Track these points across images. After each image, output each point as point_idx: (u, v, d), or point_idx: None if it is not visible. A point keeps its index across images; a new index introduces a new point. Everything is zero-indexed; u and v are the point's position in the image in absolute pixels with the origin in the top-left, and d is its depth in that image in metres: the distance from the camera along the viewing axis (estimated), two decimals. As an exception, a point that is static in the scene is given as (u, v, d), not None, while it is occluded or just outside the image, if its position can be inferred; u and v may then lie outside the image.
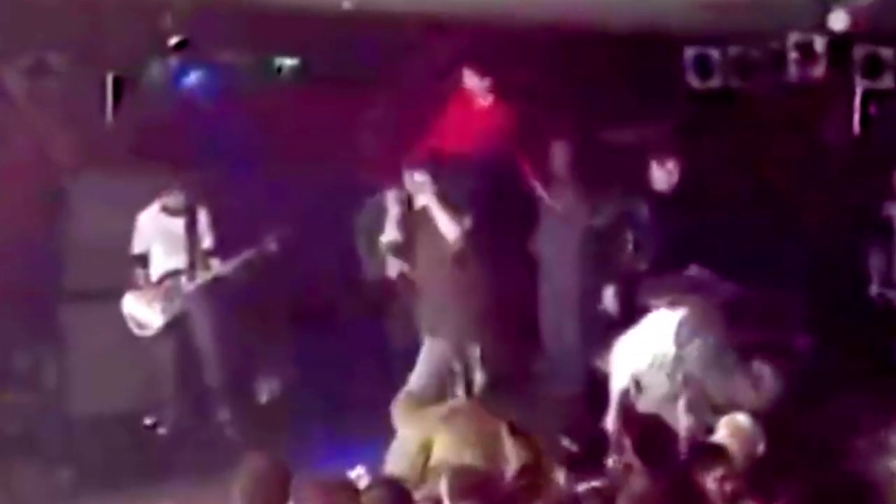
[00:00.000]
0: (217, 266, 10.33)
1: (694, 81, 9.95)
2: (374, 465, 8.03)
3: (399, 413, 8.71)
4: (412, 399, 8.96)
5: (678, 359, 8.63)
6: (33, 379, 10.10)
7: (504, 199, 10.30)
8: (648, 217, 9.97)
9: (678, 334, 8.68)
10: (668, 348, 8.67)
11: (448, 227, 9.50)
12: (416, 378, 9.49)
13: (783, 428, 7.92)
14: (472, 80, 10.36)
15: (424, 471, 8.10)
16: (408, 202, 9.71)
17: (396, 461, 8.36)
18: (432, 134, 10.22)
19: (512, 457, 7.93)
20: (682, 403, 8.57)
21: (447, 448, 8.10)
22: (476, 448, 8.04)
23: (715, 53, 9.91)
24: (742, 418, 7.84)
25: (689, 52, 9.94)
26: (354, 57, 9.78)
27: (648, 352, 8.74)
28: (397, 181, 9.80)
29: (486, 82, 10.26)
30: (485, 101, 10.36)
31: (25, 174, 9.78)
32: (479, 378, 9.47)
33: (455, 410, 8.58)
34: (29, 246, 9.91)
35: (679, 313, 8.73)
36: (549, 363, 10.47)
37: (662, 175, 10.07)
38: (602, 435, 7.85)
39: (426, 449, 8.18)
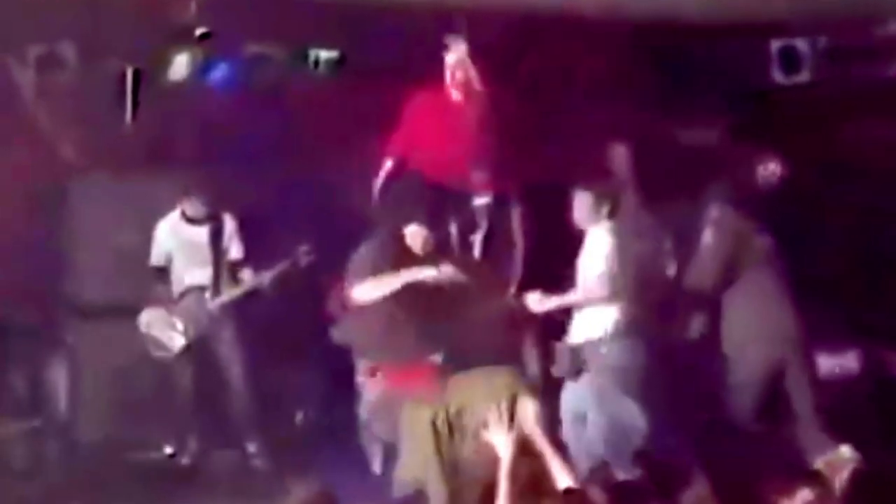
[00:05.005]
0: (249, 279, 9.80)
1: (779, 76, 9.63)
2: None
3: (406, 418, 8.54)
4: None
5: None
6: (39, 403, 9.70)
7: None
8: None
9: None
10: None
11: None
12: None
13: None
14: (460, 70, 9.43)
15: (448, 428, 8.22)
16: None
17: (412, 458, 8.33)
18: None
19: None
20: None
21: (458, 390, 8.30)
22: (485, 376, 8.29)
23: (803, 45, 9.57)
24: (844, 448, 8.02)
25: (775, 45, 9.62)
26: (396, 50, 9.32)
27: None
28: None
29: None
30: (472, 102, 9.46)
31: (33, 176, 9.46)
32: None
33: None
34: (34, 255, 9.55)
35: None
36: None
37: (766, 177, 9.61)
38: (672, 466, 7.74)
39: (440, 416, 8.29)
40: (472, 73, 9.40)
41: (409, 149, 9.51)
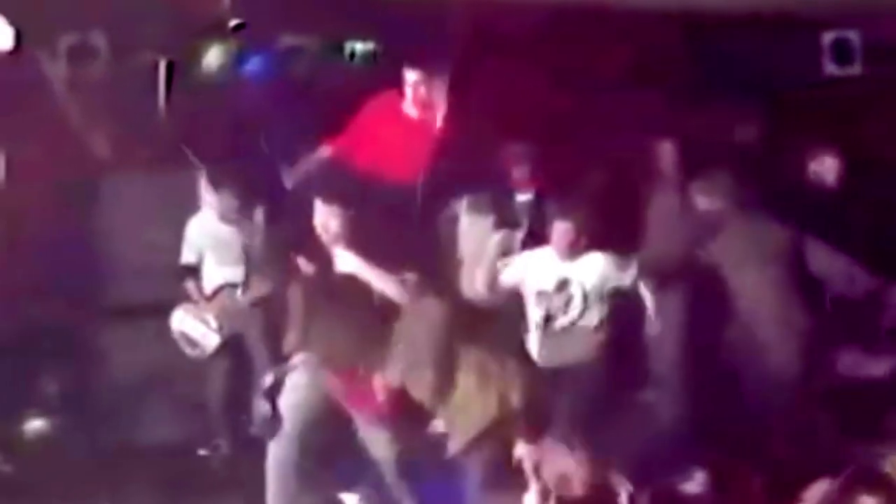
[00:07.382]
0: None
1: (831, 69, 9.49)
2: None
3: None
4: None
5: None
6: (69, 402, 9.64)
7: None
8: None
9: None
10: None
11: None
12: None
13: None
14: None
15: None
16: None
17: None
18: None
19: None
20: None
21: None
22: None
23: (855, 37, 9.46)
24: None
25: (827, 37, 9.49)
26: (432, 42, 9.21)
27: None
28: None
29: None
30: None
31: (64, 172, 9.41)
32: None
33: None
34: (65, 252, 9.42)
35: None
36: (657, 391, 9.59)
37: (822, 173, 9.51)
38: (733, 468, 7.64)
39: None
40: (438, 91, 9.14)
41: (354, 144, 9.23)
